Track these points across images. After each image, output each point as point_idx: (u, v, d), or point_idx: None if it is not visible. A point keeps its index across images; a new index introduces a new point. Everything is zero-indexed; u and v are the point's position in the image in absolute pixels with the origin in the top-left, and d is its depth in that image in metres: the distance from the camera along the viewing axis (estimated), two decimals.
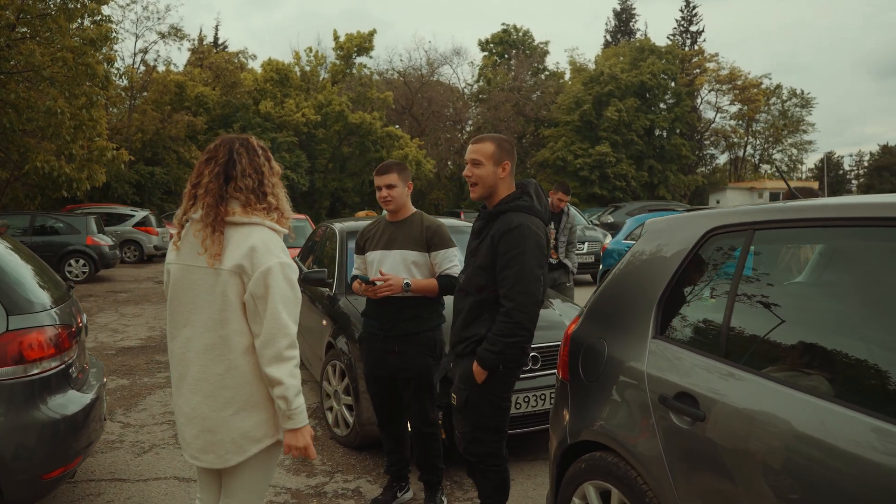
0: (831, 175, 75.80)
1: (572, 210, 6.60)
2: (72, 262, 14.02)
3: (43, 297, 3.08)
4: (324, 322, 4.83)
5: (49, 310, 3.02)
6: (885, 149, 79.09)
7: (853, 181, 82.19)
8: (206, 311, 2.06)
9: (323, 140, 38.64)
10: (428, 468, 3.45)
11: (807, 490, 1.65)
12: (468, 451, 2.86)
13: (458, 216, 19.23)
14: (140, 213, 19.28)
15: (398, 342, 3.32)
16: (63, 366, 3.01)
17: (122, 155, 16.09)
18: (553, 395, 3.00)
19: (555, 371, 3.63)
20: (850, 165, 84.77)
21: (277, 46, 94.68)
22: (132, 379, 6.11)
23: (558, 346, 3.36)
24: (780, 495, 1.71)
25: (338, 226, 5.62)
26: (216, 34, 49.23)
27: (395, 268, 3.29)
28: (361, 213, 8.47)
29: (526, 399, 3.91)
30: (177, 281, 2.13)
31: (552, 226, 6.30)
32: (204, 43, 41.52)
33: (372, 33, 40.88)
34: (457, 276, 3.21)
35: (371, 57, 44.77)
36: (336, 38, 40.99)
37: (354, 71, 41.87)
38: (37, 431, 2.80)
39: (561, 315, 4.47)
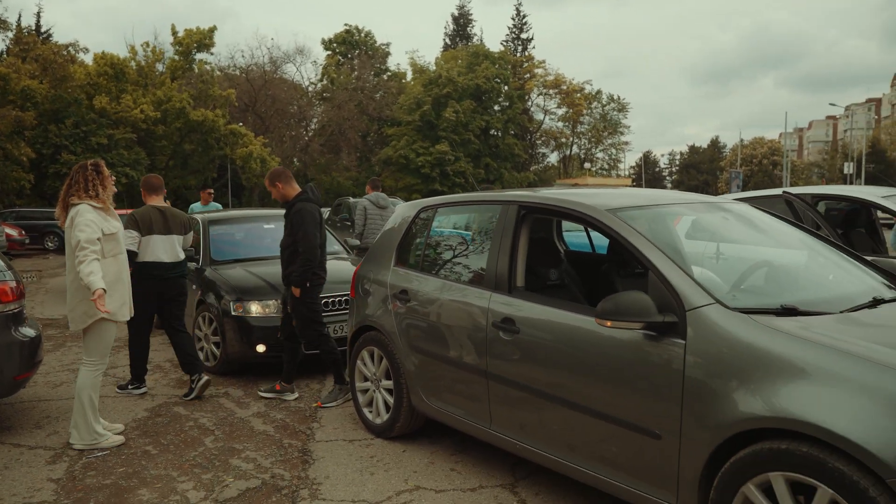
0: (649, 172, 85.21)
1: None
2: None
3: (1, 261, 4.51)
4: (193, 287, 6.43)
5: (8, 270, 4.47)
6: (693, 149, 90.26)
7: (667, 178, 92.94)
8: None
9: (163, 137, 37.95)
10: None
11: (455, 327, 3.70)
12: (302, 335, 5.03)
13: None
14: None
15: None
16: (21, 308, 4.48)
17: None
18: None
19: None
20: (664, 164, 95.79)
21: (109, 32, 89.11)
22: None
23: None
24: (443, 330, 3.75)
25: (199, 216, 7.22)
26: (38, 20, 46.19)
27: None
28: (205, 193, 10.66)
29: (340, 327, 5.79)
30: None
31: None
32: (26, 31, 39.08)
33: (212, 30, 40.66)
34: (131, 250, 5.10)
35: (212, 53, 44.40)
36: (174, 32, 40.35)
37: (195, 67, 41.40)
38: (11, 347, 4.28)
39: None
